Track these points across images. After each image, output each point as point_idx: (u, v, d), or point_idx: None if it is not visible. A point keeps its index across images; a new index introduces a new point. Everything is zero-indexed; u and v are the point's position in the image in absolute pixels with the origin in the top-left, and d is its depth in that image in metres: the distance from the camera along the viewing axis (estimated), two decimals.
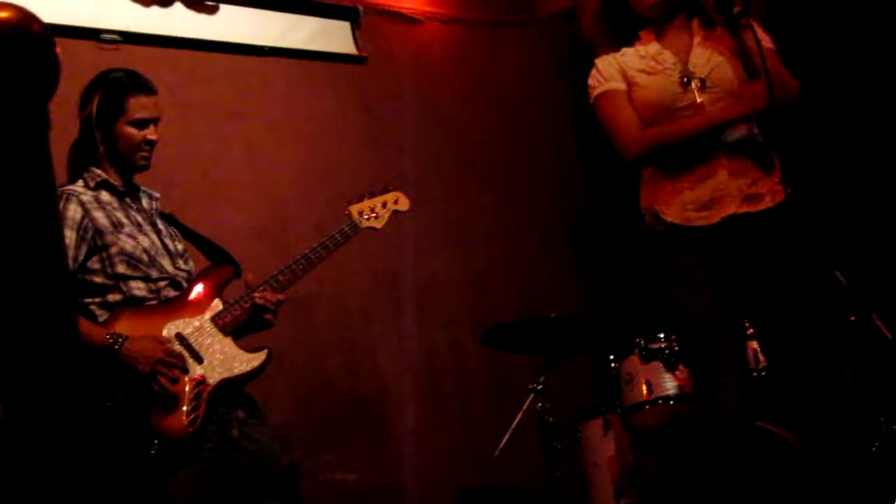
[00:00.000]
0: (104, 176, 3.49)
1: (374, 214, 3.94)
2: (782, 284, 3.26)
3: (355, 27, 5.87)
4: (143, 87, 3.53)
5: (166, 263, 3.51)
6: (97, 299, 3.36)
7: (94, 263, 3.36)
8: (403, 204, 4.05)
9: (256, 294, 3.53)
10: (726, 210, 3.29)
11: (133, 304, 3.37)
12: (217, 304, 3.52)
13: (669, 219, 3.36)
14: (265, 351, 3.50)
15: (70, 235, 3.31)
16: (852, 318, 4.22)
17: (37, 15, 1.38)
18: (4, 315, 1.37)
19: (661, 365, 4.41)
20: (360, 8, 5.86)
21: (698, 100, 3.33)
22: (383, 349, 5.50)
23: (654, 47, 3.47)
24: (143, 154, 3.54)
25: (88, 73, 3.59)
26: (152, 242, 3.50)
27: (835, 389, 3.53)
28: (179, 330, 3.39)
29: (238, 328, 3.52)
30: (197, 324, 3.44)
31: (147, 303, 3.41)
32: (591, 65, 3.57)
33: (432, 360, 5.65)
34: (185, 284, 3.53)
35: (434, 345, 5.68)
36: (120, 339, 3.21)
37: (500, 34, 6.58)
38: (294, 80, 5.59)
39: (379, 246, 4.94)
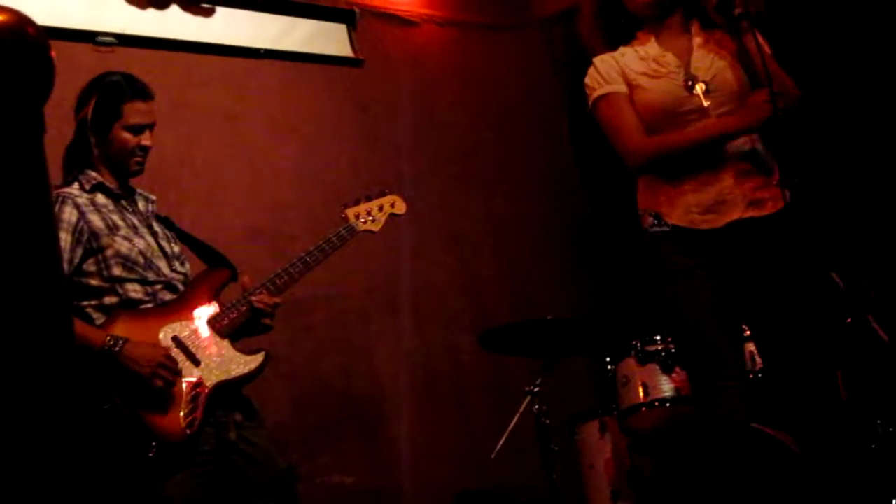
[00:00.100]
0: (99, 178, 3.49)
1: (370, 218, 3.94)
2: (780, 287, 3.25)
3: (352, 29, 5.86)
4: (141, 92, 3.53)
5: (162, 266, 3.51)
6: (93, 302, 3.36)
7: (89, 266, 3.35)
8: (400, 207, 4.06)
9: (254, 298, 3.52)
10: (732, 215, 3.27)
11: (129, 306, 3.37)
12: (214, 307, 3.52)
13: (672, 221, 3.33)
14: (262, 353, 3.50)
15: (65, 238, 3.31)
16: (849, 320, 4.22)
17: (32, 18, 1.38)
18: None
19: (657, 367, 4.41)
20: (357, 10, 5.86)
21: (705, 103, 3.29)
22: (380, 351, 5.49)
23: (654, 49, 3.43)
24: (137, 159, 3.53)
25: (84, 76, 3.58)
26: (148, 245, 3.50)
27: (831, 392, 3.52)
28: (176, 333, 3.39)
29: (235, 331, 3.51)
30: (194, 327, 3.43)
31: (143, 305, 3.41)
32: (589, 65, 3.52)
33: (429, 363, 5.65)
34: (181, 287, 3.53)
35: (431, 347, 5.68)
36: (120, 342, 3.21)
37: (496, 36, 6.58)
38: (290, 83, 5.59)
39: (375, 248, 4.94)
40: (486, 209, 6.16)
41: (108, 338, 3.20)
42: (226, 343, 3.47)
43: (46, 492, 1.40)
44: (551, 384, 4.82)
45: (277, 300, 3.58)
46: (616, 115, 3.42)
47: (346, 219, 3.89)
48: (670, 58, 3.40)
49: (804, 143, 3.69)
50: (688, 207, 3.31)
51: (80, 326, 3.23)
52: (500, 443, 4.71)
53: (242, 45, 5.40)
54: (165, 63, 5.04)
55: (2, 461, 1.37)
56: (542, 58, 6.74)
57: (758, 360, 4.01)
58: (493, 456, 4.71)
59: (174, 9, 5.17)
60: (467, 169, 6.15)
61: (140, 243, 3.46)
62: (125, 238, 3.42)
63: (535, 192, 6.39)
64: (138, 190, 3.66)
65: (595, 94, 3.47)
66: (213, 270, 3.65)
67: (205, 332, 3.44)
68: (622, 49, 3.50)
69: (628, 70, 3.43)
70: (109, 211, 3.46)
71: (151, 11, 5.10)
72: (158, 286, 3.46)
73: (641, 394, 4.42)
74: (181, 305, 3.47)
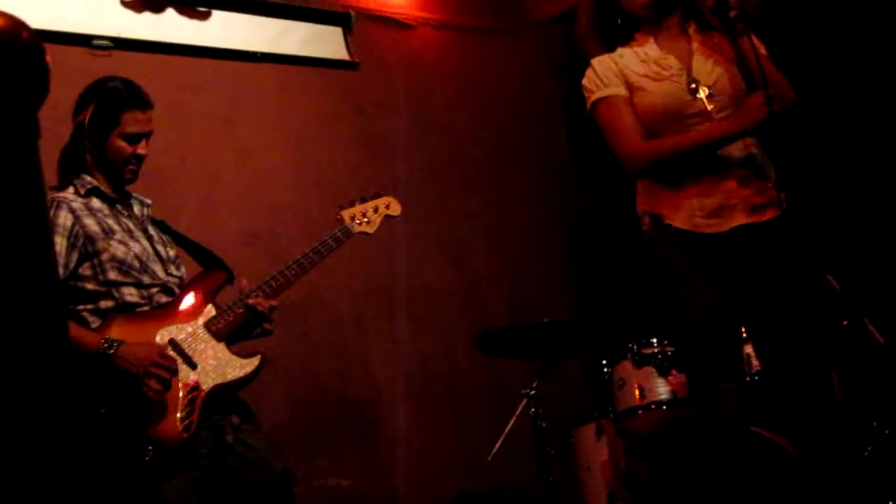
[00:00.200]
0: (95, 183, 3.48)
1: (366, 219, 3.94)
2: (778, 290, 3.25)
3: (347, 32, 5.86)
4: (140, 101, 3.52)
5: (158, 269, 3.51)
6: (89, 306, 3.36)
7: (85, 270, 3.35)
8: (395, 209, 4.05)
9: (250, 301, 3.52)
10: (737, 220, 3.26)
11: (125, 310, 3.37)
12: (210, 310, 3.52)
13: (675, 224, 3.31)
14: (258, 356, 3.49)
15: (61, 242, 3.31)
16: (845, 323, 4.22)
17: (26, 22, 1.38)
18: None
19: (653, 370, 4.41)
20: (352, 13, 5.86)
21: (708, 107, 3.28)
22: (376, 354, 5.49)
23: (653, 50, 3.41)
24: (132, 168, 3.53)
25: (80, 80, 3.58)
26: (144, 248, 3.50)
27: (828, 394, 3.53)
28: (172, 336, 3.39)
29: (231, 334, 3.51)
30: (190, 329, 3.43)
31: (139, 309, 3.41)
32: (587, 66, 3.50)
33: (425, 365, 5.65)
34: (177, 290, 3.53)
35: (427, 350, 5.68)
36: (115, 344, 3.21)
37: (492, 39, 6.58)
38: (286, 86, 5.59)
39: (371, 251, 4.94)
40: (482, 211, 6.16)
41: (104, 341, 3.20)
42: (222, 346, 3.46)
43: (43, 495, 1.40)
44: (548, 387, 4.82)
45: (274, 303, 3.57)
46: (615, 119, 3.40)
47: (341, 220, 3.89)
48: (672, 60, 3.38)
49: (800, 145, 3.69)
50: (692, 211, 3.29)
51: (75, 330, 3.23)
52: (497, 446, 4.71)
53: (238, 49, 5.39)
54: (161, 66, 5.03)
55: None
56: (538, 60, 6.74)
57: (754, 362, 4.01)
58: (489, 459, 4.71)
59: (170, 12, 5.17)
60: (463, 171, 6.15)
61: (135, 247, 3.46)
62: (120, 242, 3.42)
63: (531, 195, 6.40)
64: (133, 194, 3.66)
65: (593, 97, 3.45)
66: (209, 273, 3.65)
67: (201, 335, 3.44)
68: (620, 50, 3.47)
69: (629, 72, 3.41)
70: (105, 215, 3.46)
71: (147, 15, 5.10)
72: (154, 290, 3.46)
73: (638, 396, 4.42)
74: (177, 308, 3.47)
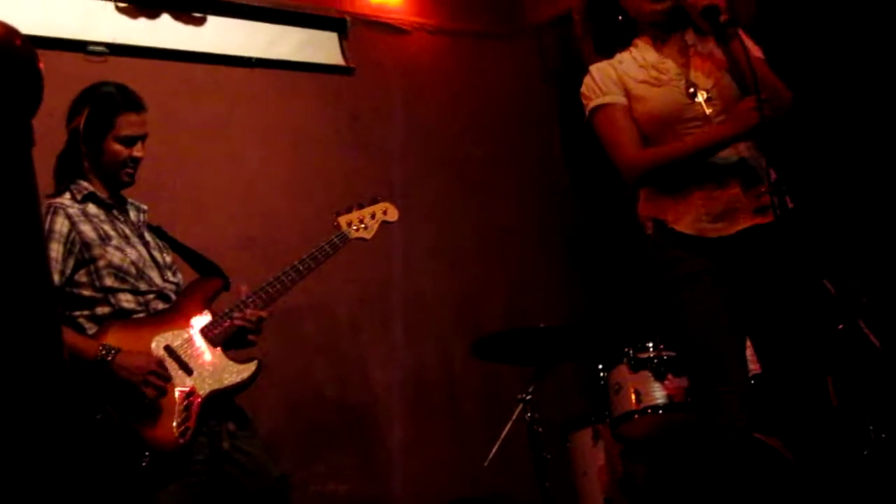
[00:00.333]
0: (91, 189, 3.48)
1: (363, 225, 3.93)
2: (776, 293, 3.25)
3: (342, 38, 5.86)
4: (134, 104, 3.52)
5: (154, 276, 3.50)
6: (86, 312, 3.35)
7: (81, 276, 3.35)
8: (392, 214, 4.05)
9: (236, 314, 3.51)
10: (743, 223, 3.24)
11: (122, 316, 3.37)
12: (206, 316, 3.52)
13: (680, 229, 3.29)
14: (255, 362, 3.49)
15: (57, 249, 3.31)
16: (840, 327, 4.22)
17: (19, 30, 1.38)
18: None
19: (649, 374, 4.41)
20: (348, 18, 5.86)
21: (707, 111, 3.27)
22: (372, 359, 5.49)
23: (651, 55, 3.39)
24: (128, 171, 3.53)
25: (75, 86, 3.58)
26: (140, 255, 3.49)
27: (824, 398, 3.52)
28: (168, 342, 3.39)
29: (227, 340, 3.51)
30: (186, 336, 3.43)
31: (136, 315, 3.40)
32: (584, 72, 3.47)
33: (421, 371, 5.65)
34: (173, 297, 3.53)
35: (423, 355, 5.68)
36: (113, 351, 3.20)
37: (487, 44, 6.58)
38: (281, 91, 5.59)
39: (367, 256, 4.93)
40: (477, 216, 6.15)
41: (101, 347, 3.20)
42: (218, 352, 3.46)
43: (41, 501, 1.40)
44: (544, 392, 4.82)
45: (262, 314, 3.56)
46: (613, 128, 3.37)
47: (338, 226, 3.89)
48: (670, 64, 3.36)
49: (797, 147, 3.68)
50: (698, 216, 3.28)
51: (72, 337, 3.22)
52: (493, 451, 4.70)
53: (233, 54, 5.39)
54: (157, 72, 5.04)
55: None
56: (533, 65, 6.74)
57: (751, 365, 4.01)
58: (486, 464, 4.71)
59: (165, 18, 5.17)
60: (459, 176, 6.15)
61: (132, 253, 3.46)
62: (117, 248, 3.42)
63: (526, 200, 6.40)
64: (130, 200, 3.66)
65: (592, 105, 3.42)
66: (206, 279, 3.65)
67: (197, 341, 3.44)
68: (619, 56, 3.45)
69: (627, 79, 3.38)
70: (101, 221, 3.46)
71: (142, 20, 5.10)
72: (150, 296, 3.45)
73: (634, 401, 4.42)
74: (173, 315, 3.47)
